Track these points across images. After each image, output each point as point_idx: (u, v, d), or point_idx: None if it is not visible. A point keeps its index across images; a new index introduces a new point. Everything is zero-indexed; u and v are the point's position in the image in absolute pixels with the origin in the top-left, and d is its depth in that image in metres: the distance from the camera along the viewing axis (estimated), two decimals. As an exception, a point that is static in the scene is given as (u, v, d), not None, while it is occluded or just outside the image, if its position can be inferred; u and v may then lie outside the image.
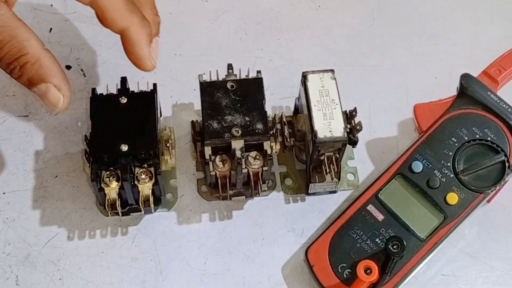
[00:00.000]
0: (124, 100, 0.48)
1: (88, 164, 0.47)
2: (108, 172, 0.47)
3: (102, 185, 0.46)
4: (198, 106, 0.56)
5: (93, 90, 0.49)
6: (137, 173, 0.47)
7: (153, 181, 0.47)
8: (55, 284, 0.49)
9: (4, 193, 0.52)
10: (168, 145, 0.50)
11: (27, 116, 0.56)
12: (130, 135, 0.46)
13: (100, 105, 0.48)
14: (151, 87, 0.50)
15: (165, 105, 0.56)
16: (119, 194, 0.47)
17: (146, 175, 0.47)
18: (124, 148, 0.46)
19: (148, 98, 0.49)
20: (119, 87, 0.50)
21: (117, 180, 0.46)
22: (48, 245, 0.50)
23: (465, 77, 0.52)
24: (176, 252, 0.50)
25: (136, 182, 0.47)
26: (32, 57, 0.41)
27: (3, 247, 0.50)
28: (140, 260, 0.50)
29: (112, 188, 0.47)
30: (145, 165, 0.47)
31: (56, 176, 0.53)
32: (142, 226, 0.51)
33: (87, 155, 0.47)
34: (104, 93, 0.49)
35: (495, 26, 0.63)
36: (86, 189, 0.53)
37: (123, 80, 0.50)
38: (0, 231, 0.51)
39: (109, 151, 0.46)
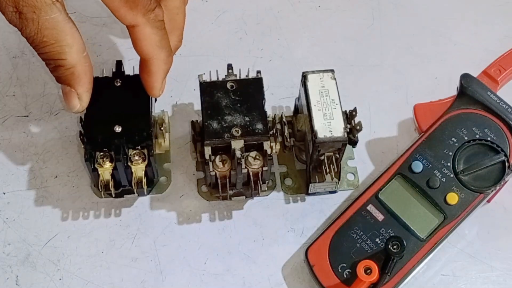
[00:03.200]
0: (118, 82, 0.49)
1: (82, 145, 0.47)
2: (102, 153, 0.47)
3: (96, 165, 0.47)
4: (198, 106, 0.56)
5: None
6: (130, 155, 0.48)
7: (146, 162, 0.48)
8: (55, 284, 0.49)
9: (4, 193, 0.52)
10: (162, 128, 0.50)
11: (27, 116, 0.56)
12: (124, 116, 0.47)
13: (95, 87, 0.48)
14: None
15: (165, 105, 0.56)
16: (113, 175, 0.48)
17: (140, 156, 0.48)
18: (118, 129, 0.47)
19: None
20: (114, 70, 0.50)
21: (111, 161, 0.47)
22: (48, 245, 0.50)
23: (465, 77, 0.52)
24: (176, 252, 0.50)
25: (129, 163, 0.47)
26: (68, 63, 0.43)
27: (3, 247, 0.50)
28: (140, 260, 0.50)
29: (106, 169, 0.47)
30: (139, 147, 0.48)
31: (56, 176, 0.53)
32: (142, 226, 0.51)
33: (81, 136, 0.48)
34: (100, 76, 0.50)
35: (495, 26, 0.63)
36: (86, 189, 0.53)
37: (118, 63, 0.50)
38: (0, 231, 0.51)
39: (103, 132, 0.47)
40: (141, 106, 0.48)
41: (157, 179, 0.53)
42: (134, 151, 0.48)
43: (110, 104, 0.48)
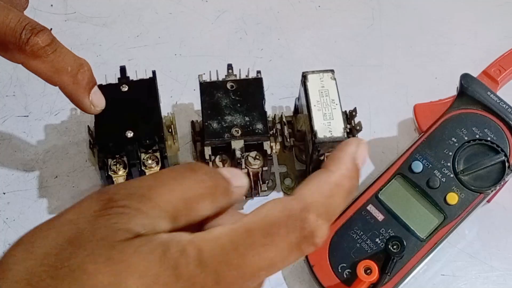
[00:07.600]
0: (125, 88, 0.49)
1: (93, 154, 0.47)
2: (114, 160, 0.47)
3: (110, 172, 0.47)
4: (198, 106, 0.56)
5: None
6: (143, 159, 0.47)
7: (159, 166, 0.48)
8: (55, 284, 0.49)
9: (4, 193, 0.52)
10: (170, 130, 0.50)
11: (27, 116, 0.56)
12: (134, 121, 0.47)
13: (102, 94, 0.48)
14: (150, 75, 0.50)
15: (165, 105, 0.56)
16: None
17: (153, 160, 0.48)
18: (130, 134, 0.47)
19: (149, 85, 0.49)
20: (118, 76, 0.50)
21: (124, 167, 0.47)
22: (48, 245, 0.50)
23: (465, 77, 0.52)
24: (176, 252, 0.50)
25: (143, 168, 0.47)
26: (88, 64, 0.44)
27: (3, 247, 0.50)
28: (140, 260, 0.50)
29: (120, 176, 0.47)
30: (151, 151, 0.48)
31: (56, 176, 0.53)
32: (142, 226, 0.51)
33: (91, 145, 0.47)
34: (104, 84, 0.50)
35: (495, 26, 0.63)
36: (86, 189, 0.53)
37: (122, 69, 0.50)
38: (0, 231, 0.51)
39: (115, 138, 0.47)
40: (150, 109, 0.48)
41: None
42: (147, 155, 0.47)
43: (119, 110, 0.48)
